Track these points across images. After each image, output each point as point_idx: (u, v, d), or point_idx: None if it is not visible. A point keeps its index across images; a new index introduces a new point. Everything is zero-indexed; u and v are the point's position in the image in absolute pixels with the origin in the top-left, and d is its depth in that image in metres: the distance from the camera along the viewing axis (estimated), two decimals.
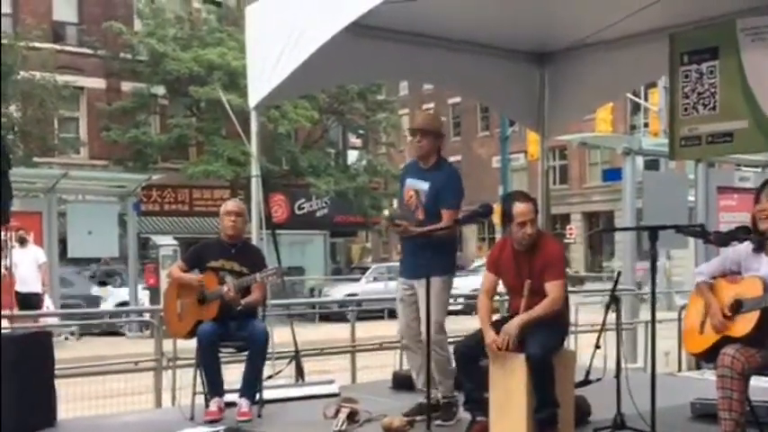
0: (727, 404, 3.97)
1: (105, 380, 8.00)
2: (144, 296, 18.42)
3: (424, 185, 5.36)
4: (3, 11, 22.05)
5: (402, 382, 6.36)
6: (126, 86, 27.48)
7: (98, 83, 27.68)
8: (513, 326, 4.54)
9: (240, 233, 5.76)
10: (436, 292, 5.07)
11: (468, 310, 12.54)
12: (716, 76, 6.03)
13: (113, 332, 17.29)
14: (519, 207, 4.66)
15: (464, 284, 17.35)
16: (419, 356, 5.32)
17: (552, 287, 4.62)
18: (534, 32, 6.72)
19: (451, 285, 5.46)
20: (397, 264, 5.94)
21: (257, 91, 6.21)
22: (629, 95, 27.11)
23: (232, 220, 5.67)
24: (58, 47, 25.78)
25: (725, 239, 4.32)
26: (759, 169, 12.34)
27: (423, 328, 5.04)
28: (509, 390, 4.53)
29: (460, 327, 6.15)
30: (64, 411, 6.00)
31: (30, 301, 12.72)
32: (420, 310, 5.24)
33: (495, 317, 5.00)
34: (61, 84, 22.46)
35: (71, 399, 6.94)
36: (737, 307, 4.13)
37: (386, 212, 6.98)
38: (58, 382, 5.57)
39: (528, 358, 4.44)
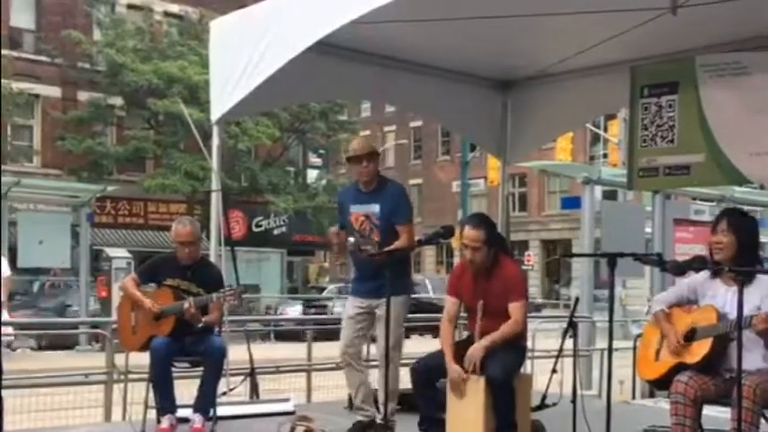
0: (680, 430, 4.02)
1: (54, 393, 7.80)
2: (95, 308, 18.10)
3: (374, 207, 5.43)
4: None
5: None
6: (83, 96, 27.13)
7: (54, 91, 27.25)
8: (478, 349, 4.57)
9: (196, 257, 5.60)
10: (398, 311, 5.16)
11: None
12: (675, 110, 6.16)
13: (62, 345, 16.95)
14: (466, 231, 4.77)
15: None
16: (361, 374, 5.49)
17: (515, 308, 4.66)
18: (498, 61, 6.79)
19: (410, 304, 5.58)
20: None
21: (219, 105, 6.14)
22: (590, 126, 27.56)
23: (186, 252, 5.50)
24: (14, 54, 25.39)
25: (681, 269, 4.39)
26: (714, 203, 12.62)
27: (376, 346, 5.33)
28: (467, 412, 4.54)
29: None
30: (10, 423, 5.82)
31: None
32: (378, 328, 5.33)
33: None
34: (16, 91, 22.09)
35: (17, 411, 6.75)
36: (692, 335, 4.19)
37: (351, 239, 6.97)
38: (4, 393, 5.42)
39: (489, 380, 4.46)
